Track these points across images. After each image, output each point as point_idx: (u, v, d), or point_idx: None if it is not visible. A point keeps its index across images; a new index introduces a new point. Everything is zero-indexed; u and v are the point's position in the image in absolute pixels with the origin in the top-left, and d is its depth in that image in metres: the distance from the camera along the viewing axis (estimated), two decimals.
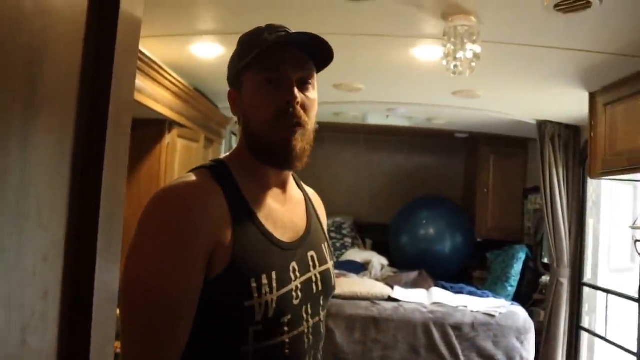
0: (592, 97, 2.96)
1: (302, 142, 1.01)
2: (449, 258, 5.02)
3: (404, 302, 3.92)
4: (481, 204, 5.13)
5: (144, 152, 2.85)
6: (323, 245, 1.14)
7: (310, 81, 1.03)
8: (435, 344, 3.66)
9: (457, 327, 3.70)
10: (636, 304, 3.13)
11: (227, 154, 1.11)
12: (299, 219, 1.11)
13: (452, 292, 4.25)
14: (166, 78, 2.66)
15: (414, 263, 4.86)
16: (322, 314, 1.10)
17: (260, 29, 1.05)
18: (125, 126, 0.72)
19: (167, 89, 2.72)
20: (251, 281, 0.94)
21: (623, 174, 2.76)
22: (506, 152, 5.09)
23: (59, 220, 0.59)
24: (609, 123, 2.80)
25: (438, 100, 3.66)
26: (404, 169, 5.81)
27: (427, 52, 2.55)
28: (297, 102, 0.99)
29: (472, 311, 3.79)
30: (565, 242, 3.87)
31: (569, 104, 3.30)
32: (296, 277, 1.02)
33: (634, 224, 3.08)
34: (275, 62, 0.99)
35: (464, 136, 5.23)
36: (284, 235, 1.04)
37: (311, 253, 1.08)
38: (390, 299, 3.97)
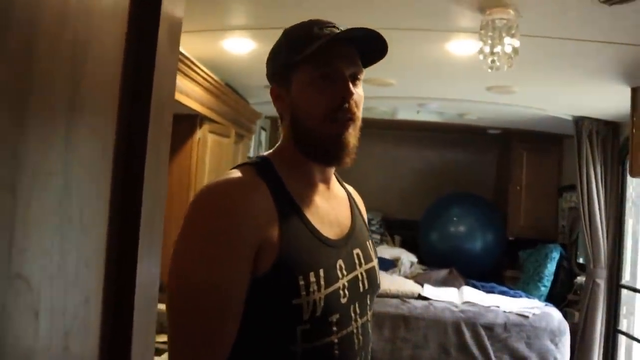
0: (635, 92, 2.85)
1: (354, 137, 1.01)
2: (480, 256, 4.94)
3: (434, 300, 3.87)
4: (513, 202, 5.03)
5: (175, 148, 2.86)
6: (367, 243, 1.11)
7: (359, 77, 1.02)
8: (466, 344, 3.59)
9: (488, 328, 3.63)
10: None
11: (270, 151, 1.09)
12: (344, 216, 1.09)
13: (483, 291, 4.18)
14: (198, 73, 2.66)
15: (443, 261, 4.79)
16: (369, 313, 1.07)
17: (308, 23, 1.02)
18: (167, 124, 0.70)
19: (199, 84, 2.72)
20: (299, 279, 0.92)
21: None
22: (540, 148, 4.98)
23: (100, 223, 0.57)
24: None
25: (471, 96, 3.59)
26: (434, 165, 5.74)
27: (462, 47, 2.49)
28: (352, 98, 0.98)
29: (504, 311, 3.71)
30: (602, 242, 3.76)
31: (609, 99, 3.20)
32: (343, 275, 1.00)
33: None
34: (330, 57, 0.98)
35: (497, 132, 5.13)
36: (330, 232, 1.02)
37: (357, 251, 1.06)
38: (420, 297, 3.92)
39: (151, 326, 0.66)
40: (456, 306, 3.79)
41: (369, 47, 1.01)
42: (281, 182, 0.99)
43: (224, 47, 2.66)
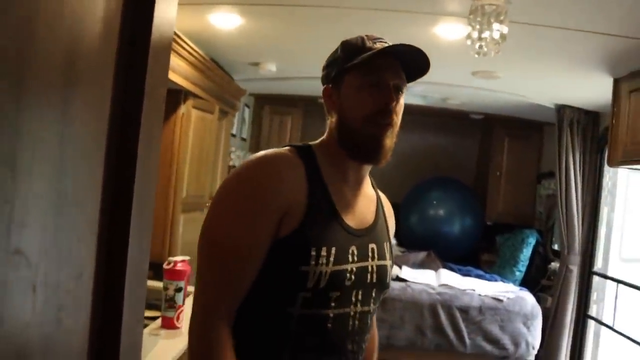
0: (617, 83, 2.89)
1: (391, 140, 1.12)
2: (458, 240, 5.01)
3: (412, 282, 3.93)
4: (493, 187, 5.09)
5: None
6: (385, 244, 1.21)
7: (402, 89, 1.14)
8: (441, 325, 3.67)
9: (464, 310, 3.70)
10: None
11: (315, 142, 1.19)
12: (369, 213, 1.20)
13: (460, 274, 4.25)
14: (184, 48, 2.62)
15: (422, 243, 4.86)
16: (373, 307, 1.16)
17: (362, 37, 1.16)
18: (160, 101, 0.69)
19: (184, 58, 2.68)
20: (311, 249, 1.04)
21: None
22: (521, 135, 5.03)
23: (93, 198, 0.57)
24: (632, 111, 2.75)
25: (456, 80, 3.60)
26: (416, 148, 5.76)
27: (450, 31, 2.50)
28: (394, 105, 1.11)
29: (480, 295, 3.79)
30: (577, 230, 3.84)
31: (591, 89, 3.24)
32: (353, 260, 1.10)
33: None
34: (378, 68, 1.11)
35: (479, 117, 5.16)
36: (352, 221, 1.13)
37: (372, 245, 1.16)
38: (398, 278, 3.97)
39: (141, 302, 0.67)
40: (433, 288, 3.86)
41: (413, 63, 1.14)
42: (319, 170, 1.11)
43: (211, 21, 2.62)
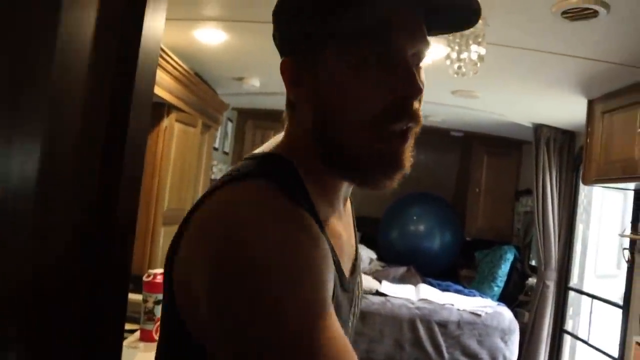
0: (591, 104, 2.98)
1: (410, 151, 0.69)
2: (437, 255, 5.06)
3: (392, 297, 3.95)
4: (472, 203, 5.17)
5: None
6: (360, 261, 0.89)
7: (423, 57, 0.69)
8: (420, 339, 3.69)
9: (443, 325, 3.73)
10: (620, 310, 3.18)
11: (280, 150, 0.74)
12: (352, 239, 0.86)
13: (439, 289, 4.29)
14: (168, 62, 2.64)
15: (402, 258, 4.90)
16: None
17: None
18: (146, 114, 0.72)
19: (168, 72, 2.70)
20: None
21: (616, 182, 2.80)
22: (500, 153, 5.12)
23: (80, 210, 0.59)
24: (605, 131, 2.83)
25: (437, 99, 3.67)
26: None
27: (431, 51, 2.55)
28: (420, 95, 0.66)
29: (458, 309, 3.83)
30: (553, 246, 3.91)
31: (567, 109, 3.33)
32: (353, 317, 0.81)
33: (623, 231, 3.13)
34: (385, 27, 0.64)
35: (460, 135, 5.25)
36: (346, 267, 0.77)
37: (358, 279, 0.86)
38: (377, 293, 4.00)
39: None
40: (412, 303, 3.88)
41: (444, 4, 0.68)
42: (314, 208, 0.68)
43: (196, 36, 2.65)
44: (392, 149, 0.67)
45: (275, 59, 0.74)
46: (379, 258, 5.14)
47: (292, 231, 0.59)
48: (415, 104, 0.66)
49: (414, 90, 0.65)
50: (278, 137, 0.78)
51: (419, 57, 0.68)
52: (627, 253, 3.06)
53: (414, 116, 0.67)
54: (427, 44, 0.68)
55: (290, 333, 0.52)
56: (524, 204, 4.82)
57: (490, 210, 5.07)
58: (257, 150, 0.77)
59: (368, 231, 5.48)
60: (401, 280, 4.51)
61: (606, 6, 1.81)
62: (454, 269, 5.18)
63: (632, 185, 2.92)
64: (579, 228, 4.03)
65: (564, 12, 1.91)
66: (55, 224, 0.54)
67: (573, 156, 3.98)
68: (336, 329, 0.55)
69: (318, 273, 0.57)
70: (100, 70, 0.59)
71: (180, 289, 0.62)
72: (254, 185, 0.63)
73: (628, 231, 3.08)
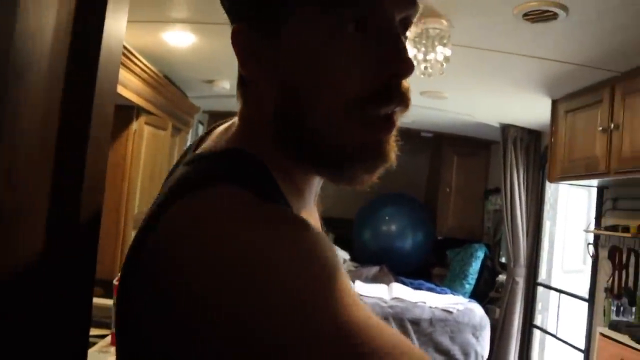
0: (555, 104, 3.06)
1: (394, 140, 0.60)
2: (410, 254, 5.12)
3: (365, 296, 3.98)
4: (443, 203, 5.24)
5: (110, 139, 2.81)
6: None
7: (411, 25, 0.58)
8: None
9: (415, 322, 3.78)
10: (586, 304, 3.27)
11: (241, 136, 0.60)
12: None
13: (411, 287, 4.34)
14: (136, 64, 2.62)
15: (375, 258, 4.94)
16: None
17: None
18: (108, 115, 0.72)
19: (137, 74, 2.68)
20: None
21: (579, 179, 2.87)
22: (469, 153, 5.21)
23: (41, 209, 0.59)
24: (568, 130, 2.91)
25: None
26: None
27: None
28: (411, 70, 0.53)
29: (430, 307, 3.88)
30: (522, 243, 4.00)
31: (532, 109, 3.41)
32: None
33: (587, 227, 3.22)
34: None
35: (429, 135, 5.32)
36: None
37: None
38: None
39: None
40: (385, 302, 3.92)
41: None
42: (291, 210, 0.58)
43: (164, 39, 2.64)
44: (377, 138, 0.56)
45: None
46: (353, 258, 5.17)
47: (293, 231, 0.49)
48: (405, 84, 0.55)
49: (406, 66, 0.53)
50: (229, 127, 0.64)
51: (406, 24, 0.57)
52: (591, 248, 3.15)
53: (403, 98, 0.55)
54: (416, 7, 0.57)
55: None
56: (493, 203, 4.91)
57: (461, 209, 5.16)
58: (207, 145, 0.63)
59: (342, 232, 5.52)
60: (374, 279, 4.55)
61: (565, 9, 1.87)
62: (426, 268, 5.25)
63: (595, 182, 3.00)
64: (546, 225, 4.13)
65: (525, 14, 1.96)
66: (15, 232, 0.55)
67: (539, 155, 4.07)
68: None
69: (337, 267, 0.48)
70: (59, 72, 0.59)
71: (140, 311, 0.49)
72: (223, 192, 0.50)
73: (592, 227, 3.17)
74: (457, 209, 5.17)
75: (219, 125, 0.68)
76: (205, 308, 0.43)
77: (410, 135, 5.44)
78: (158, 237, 0.49)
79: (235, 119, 0.63)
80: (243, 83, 0.61)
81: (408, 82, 0.56)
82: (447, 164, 5.24)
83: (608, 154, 2.49)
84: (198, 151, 0.62)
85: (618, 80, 2.49)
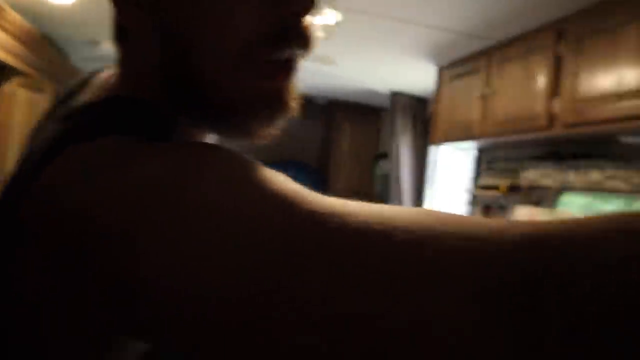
0: (440, 71, 3.23)
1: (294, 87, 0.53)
2: None
3: None
4: (335, 168, 5.38)
5: None
6: None
7: None
8: None
9: None
10: None
11: (123, 90, 0.51)
12: None
13: None
14: (6, 19, 2.40)
15: None
16: None
17: None
18: None
19: (7, 31, 2.46)
20: None
21: (458, 141, 3.09)
22: (361, 119, 5.36)
23: None
24: (451, 96, 3.10)
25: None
26: None
27: None
28: (311, 5, 0.47)
29: None
30: (407, 205, 4.23)
31: (420, 77, 3.57)
32: None
33: (466, 188, 3.47)
34: None
35: (322, 102, 5.40)
36: None
37: None
38: None
39: None
40: None
41: None
42: None
43: None
44: (275, 85, 0.49)
45: None
46: None
47: (203, 148, 0.43)
48: (306, 21, 0.48)
49: (306, 2, 0.46)
50: (104, 82, 0.55)
51: None
52: (471, 207, 3.41)
53: (303, 39, 0.48)
54: None
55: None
56: (382, 168, 5.12)
57: (353, 174, 5.33)
58: (85, 97, 0.53)
59: None
60: None
61: None
62: None
63: (473, 145, 3.23)
64: (431, 188, 4.38)
65: None
66: None
67: (425, 122, 4.29)
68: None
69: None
70: None
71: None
72: (115, 139, 0.43)
73: (470, 187, 3.43)
74: (349, 175, 5.33)
75: (91, 77, 0.59)
76: (138, 243, 0.35)
77: (302, 102, 5.50)
78: (40, 193, 0.40)
79: (114, 72, 0.55)
80: (121, 32, 0.53)
81: (309, 20, 0.48)
82: (339, 129, 5.36)
83: (483, 119, 2.70)
84: (75, 104, 0.52)
85: (495, 49, 2.67)
